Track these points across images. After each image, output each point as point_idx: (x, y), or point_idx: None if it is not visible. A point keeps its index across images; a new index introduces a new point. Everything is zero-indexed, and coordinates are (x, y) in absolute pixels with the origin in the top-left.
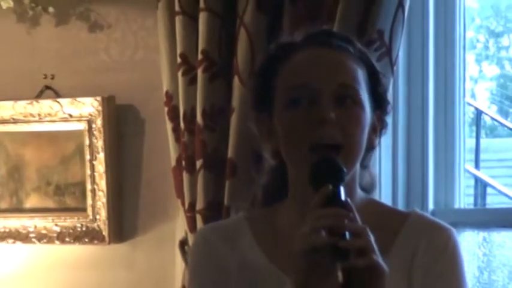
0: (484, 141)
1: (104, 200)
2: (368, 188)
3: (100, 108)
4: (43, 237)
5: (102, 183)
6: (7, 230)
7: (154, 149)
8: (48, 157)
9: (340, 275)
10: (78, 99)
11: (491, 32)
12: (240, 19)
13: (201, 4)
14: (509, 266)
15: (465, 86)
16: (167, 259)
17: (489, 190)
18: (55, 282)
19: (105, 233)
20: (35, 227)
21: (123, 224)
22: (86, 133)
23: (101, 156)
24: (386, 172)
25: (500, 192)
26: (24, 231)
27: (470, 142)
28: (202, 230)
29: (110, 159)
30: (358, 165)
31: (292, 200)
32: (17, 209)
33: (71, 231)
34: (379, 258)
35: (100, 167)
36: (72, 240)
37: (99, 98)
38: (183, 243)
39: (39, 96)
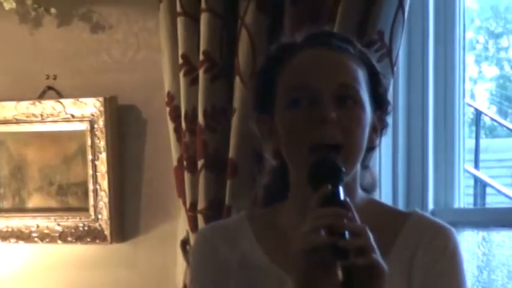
0: (484, 142)
1: (106, 199)
2: (369, 188)
3: (102, 108)
4: (45, 236)
5: (104, 183)
6: (10, 229)
7: (156, 149)
8: (50, 157)
9: (340, 274)
10: (80, 99)
11: (491, 33)
12: (241, 20)
13: (203, 5)
14: (509, 266)
15: (465, 86)
16: (169, 258)
17: (488, 190)
18: (57, 281)
19: (107, 232)
20: (38, 226)
21: (125, 223)
22: (88, 133)
23: (103, 156)
24: (387, 172)
25: (500, 192)
26: (26, 231)
27: (470, 142)
28: (203, 230)
29: (111, 159)
30: (359, 166)
31: (293, 200)
32: (20, 209)
33: (73, 230)
34: (378, 257)
35: (102, 167)
36: (74, 240)
37: (101, 99)
38: (184, 243)
39: (41, 96)
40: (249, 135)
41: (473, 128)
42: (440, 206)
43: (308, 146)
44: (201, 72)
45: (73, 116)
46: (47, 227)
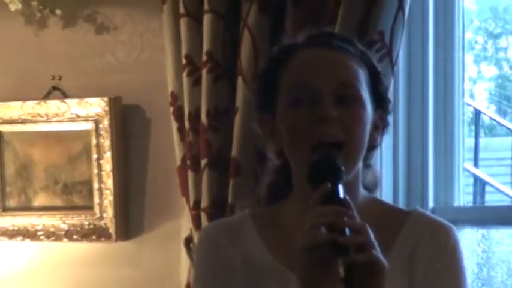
0: (483, 141)
1: (111, 198)
2: (370, 187)
3: (107, 108)
4: (51, 235)
5: (109, 182)
6: (16, 228)
7: (160, 148)
8: (55, 156)
9: (341, 270)
10: (85, 99)
11: (490, 34)
12: (243, 21)
13: (206, 6)
14: (508, 263)
15: (464, 86)
16: (173, 256)
17: (488, 188)
18: (62, 279)
19: (111, 230)
20: (43, 225)
21: (130, 221)
22: (93, 133)
23: (108, 155)
24: (387, 171)
25: (499, 190)
26: (32, 229)
27: (470, 141)
28: (206, 228)
29: (116, 159)
30: (360, 164)
31: (295, 199)
32: (26, 208)
33: (78, 229)
34: (379, 254)
35: (107, 166)
36: (79, 238)
37: (105, 99)
38: (188, 241)
39: (46, 96)
40: (252, 135)
41: (473, 127)
42: (440, 204)
43: (310, 145)
44: (204, 73)
45: (78, 116)
46: (53, 225)
